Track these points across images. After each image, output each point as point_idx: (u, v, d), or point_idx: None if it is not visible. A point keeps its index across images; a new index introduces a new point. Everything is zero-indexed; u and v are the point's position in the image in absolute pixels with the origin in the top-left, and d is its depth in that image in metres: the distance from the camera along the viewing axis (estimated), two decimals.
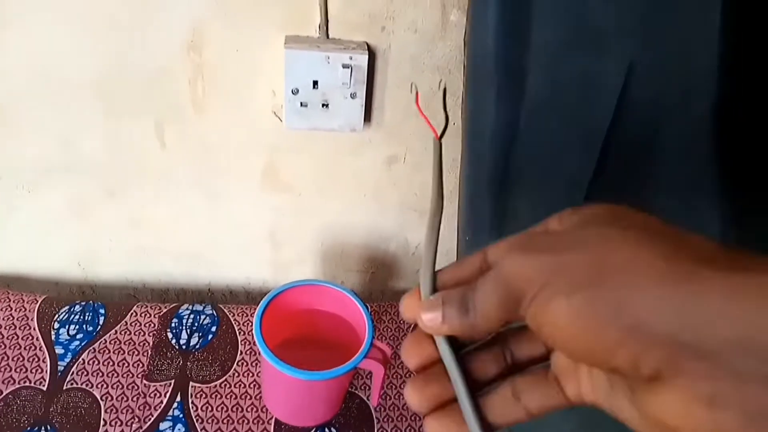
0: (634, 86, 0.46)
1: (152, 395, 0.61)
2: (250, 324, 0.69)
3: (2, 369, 0.62)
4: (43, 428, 0.57)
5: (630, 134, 0.48)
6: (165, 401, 0.61)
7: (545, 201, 0.51)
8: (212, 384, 0.63)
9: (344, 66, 0.58)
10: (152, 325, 0.68)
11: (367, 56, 0.58)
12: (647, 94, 0.47)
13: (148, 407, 0.60)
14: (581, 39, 0.45)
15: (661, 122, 0.48)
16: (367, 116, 0.64)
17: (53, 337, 0.66)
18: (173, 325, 0.68)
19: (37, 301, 0.69)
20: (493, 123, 0.48)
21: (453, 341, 0.27)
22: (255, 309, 0.57)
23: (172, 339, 0.67)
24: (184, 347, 0.66)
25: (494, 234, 0.52)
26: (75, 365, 0.63)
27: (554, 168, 0.50)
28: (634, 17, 0.44)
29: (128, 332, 0.67)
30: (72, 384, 0.61)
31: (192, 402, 0.61)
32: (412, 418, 0.63)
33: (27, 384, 0.61)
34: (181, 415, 0.60)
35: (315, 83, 0.59)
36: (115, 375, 0.63)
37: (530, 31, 0.44)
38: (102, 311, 0.69)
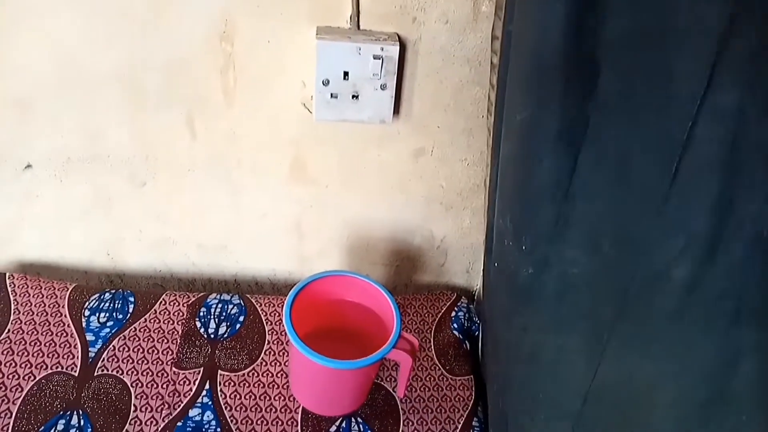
0: (717, 90, 0.41)
1: (182, 382, 0.62)
2: (277, 314, 0.70)
3: (35, 354, 0.63)
4: (75, 413, 0.58)
5: (710, 143, 0.43)
6: (194, 388, 0.61)
7: (614, 209, 0.48)
8: (240, 372, 0.63)
9: (375, 57, 0.58)
10: (181, 313, 0.69)
11: (398, 47, 0.58)
12: (731, 98, 0.41)
13: (177, 394, 0.61)
14: (659, 34, 0.41)
15: (743, 130, 0.43)
16: (396, 108, 0.64)
17: (84, 324, 0.67)
18: (202, 314, 0.69)
19: (68, 289, 0.70)
20: (558, 122, 0.45)
21: None
22: (282, 300, 0.57)
23: (200, 328, 0.68)
24: (212, 336, 0.67)
25: (556, 242, 0.48)
26: (105, 352, 0.64)
27: (625, 174, 0.47)
28: (720, 12, 0.40)
29: (157, 320, 0.68)
30: (103, 370, 0.62)
31: (221, 390, 0.62)
32: (438, 410, 0.63)
33: (59, 369, 0.62)
34: (209, 403, 0.60)
35: (346, 74, 0.59)
36: (145, 362, 0.63)
37: (603, 23, 0.42)
38: (131, 299, 0.70)
